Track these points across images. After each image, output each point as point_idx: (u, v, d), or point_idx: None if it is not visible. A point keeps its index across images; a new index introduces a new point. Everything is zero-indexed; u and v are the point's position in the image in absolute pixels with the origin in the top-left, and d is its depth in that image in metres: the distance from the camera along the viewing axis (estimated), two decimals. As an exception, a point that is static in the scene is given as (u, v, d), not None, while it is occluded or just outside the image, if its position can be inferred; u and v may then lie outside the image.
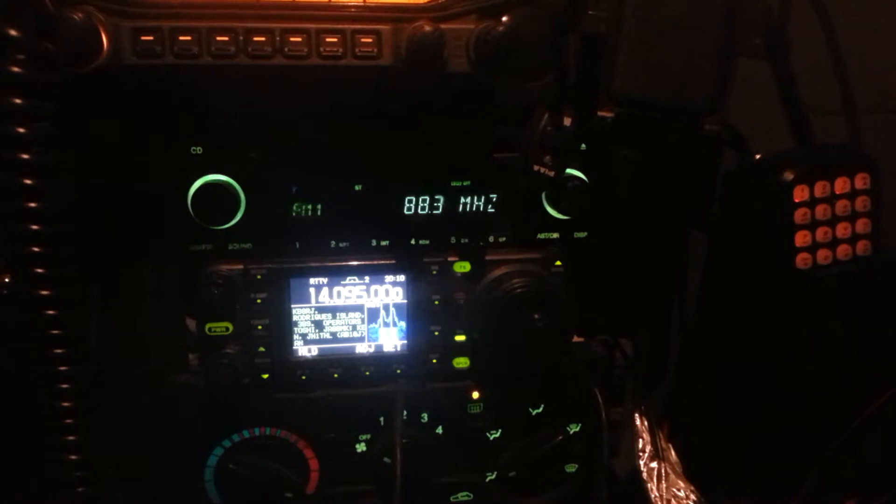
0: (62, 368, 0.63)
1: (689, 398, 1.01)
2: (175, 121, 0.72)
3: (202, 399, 0.84)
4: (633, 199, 0.85)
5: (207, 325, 0.81)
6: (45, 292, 0.59)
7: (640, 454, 0.92)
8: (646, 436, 0.92)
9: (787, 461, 1.03)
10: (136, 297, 0.81)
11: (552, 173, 0.77)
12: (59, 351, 0.62)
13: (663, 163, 0.84)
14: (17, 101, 0.55)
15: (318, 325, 0.85)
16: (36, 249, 0.58)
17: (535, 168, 0.77)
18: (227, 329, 0.82)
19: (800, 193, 0.85)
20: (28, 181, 0.56)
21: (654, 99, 0.70)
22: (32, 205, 0.57)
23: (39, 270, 0.59)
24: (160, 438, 0.85)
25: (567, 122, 0.76)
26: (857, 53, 0.90)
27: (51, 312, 0.60)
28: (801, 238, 0.86)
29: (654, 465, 0.91)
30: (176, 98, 0.69)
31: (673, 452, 0.93)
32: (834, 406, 1.02)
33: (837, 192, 0.86)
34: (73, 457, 0.67)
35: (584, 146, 0.82)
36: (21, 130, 0.55)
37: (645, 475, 0.91)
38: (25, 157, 0.56)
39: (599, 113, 0.70)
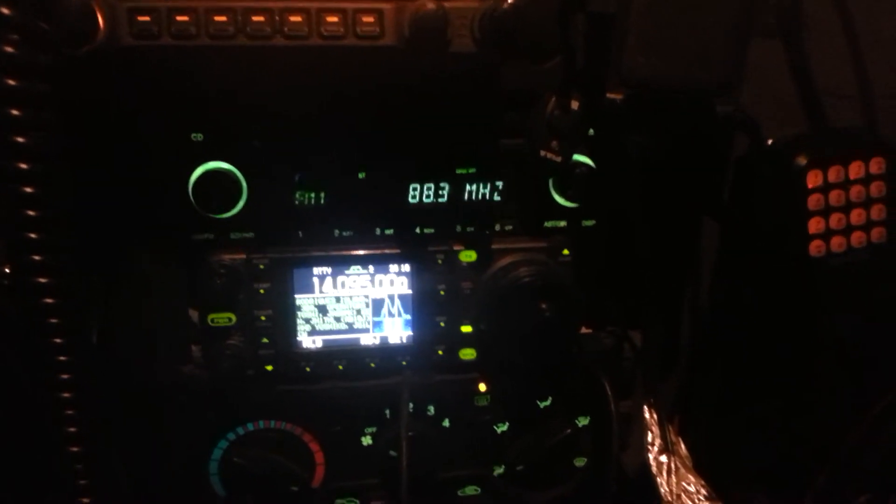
0: (61, 358, 0.62)
1: (700, 391, 0.99)
2: (175, 106, 0.71)
3: (206, 391, 0.83)
4: (644, 186, 0.83)
5: (210, 316, 0.80)
6: (42, 280, 0.58)
7: (650, 448, 0.91)
8: (655, 429, 0.91)
9: (800, 455, 1.01)
10: (138, 287, 0.80)
11: (559, 158, 0.76)
12: (58, 340, 0.61)
13: (674, 148, 0.82)
14: (12, 82, 0.54)
15: (322, 316, 0.83)
16: (33, 236, 0.57)
17: (542, 153, 0.76)
18: (230, 320, 0.81)
19: (813, 179, 0.83)
20: (24, 165, 0.55)
21: (665, 79, 0.67)
22: (29, 190, 0.56)
23: (37, 258, 0.57)
24: (163, 431, 0.84)
25: (575, 105, 0.74)
26: (873, 35, 0.88)
27: (49, 301, 0.59)
28: (815, 225, 0.84)
29: (663, 458, 0.90)
30: (175, 82, 0.68)
31: (683, 446, 0.91)
32: (848, 399, 1.00)
33: (852, 178, 0.84)
34: (74, 448, 0.65)
35: (592, 132, 0.80)
36: (15, 113, 0.54)
37: (654, 469, 0.89)
38: (21, 140, 0.55)
39: (609, 95, 0.68)
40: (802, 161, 0.82)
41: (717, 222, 0.91)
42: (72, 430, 0.65)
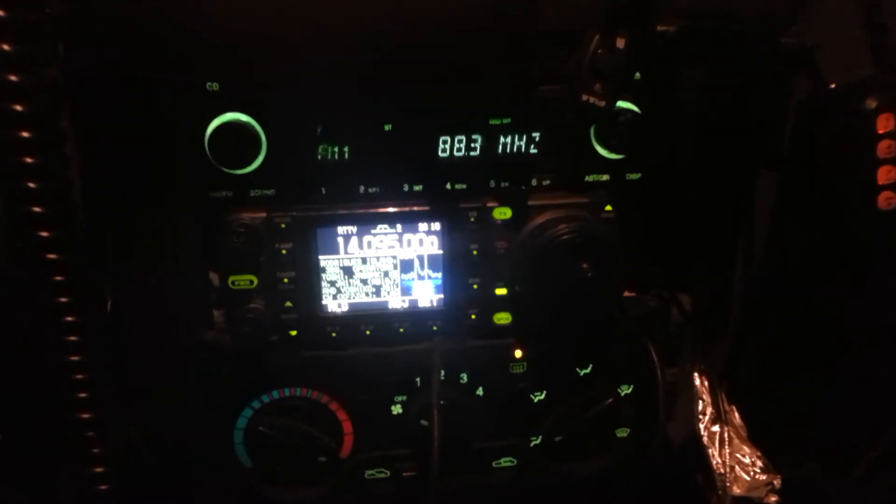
0: (68, 319, 0.58)
1: (752, 356, 0.93)
2: (188, 53, 0.66)
3: (229, 358, 0.80)
4: (694, 134, 0.76)
5: (230, 278, 0.77)
6: (43, 233, 0.54)
7: (700, 417, 0.85)
8: (706, 397, 0.85)
9: (855, 424, 0.95)
10: (154, 249, 0.76)
11: (603, 103, 0.69)
12: (63, 299, 0.57)
13: (729, 91, 0.75)
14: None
15: (348, 278, 0.79)
16: (31, 185, 0.52)
17: (584, 98, 0.69)
18: (252, 282, 0.77)
19: (884, 123, 0.75)
20: (18, 107, 0.51)
21: (723, 8, 0.61)
22: (25, 134, 0.52)
23: (37, 209, 0.53)
24: (187, 399, 0.81)
25: (620, 44, 0.68)
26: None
27: (52, 256, 0.55)
28: (885, 174, 0.76)
29: (715, 428, 0.84)
30: (186, 24, 0.63)
31: (737, 415, 0.85)
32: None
33: (926, 123, 0.77)
34: (86, 415, 0.62)
35: (638, 76, 0.74)
36: (5, 48, 0.50)
37: (706, 439, 0.84)
38: (14, 79, 0.50)
39: (659, 27, 0.61)
40: (872, 104, 0.75)
41: (775, 172, 0.84)
42: (82, 395, 0.61)
